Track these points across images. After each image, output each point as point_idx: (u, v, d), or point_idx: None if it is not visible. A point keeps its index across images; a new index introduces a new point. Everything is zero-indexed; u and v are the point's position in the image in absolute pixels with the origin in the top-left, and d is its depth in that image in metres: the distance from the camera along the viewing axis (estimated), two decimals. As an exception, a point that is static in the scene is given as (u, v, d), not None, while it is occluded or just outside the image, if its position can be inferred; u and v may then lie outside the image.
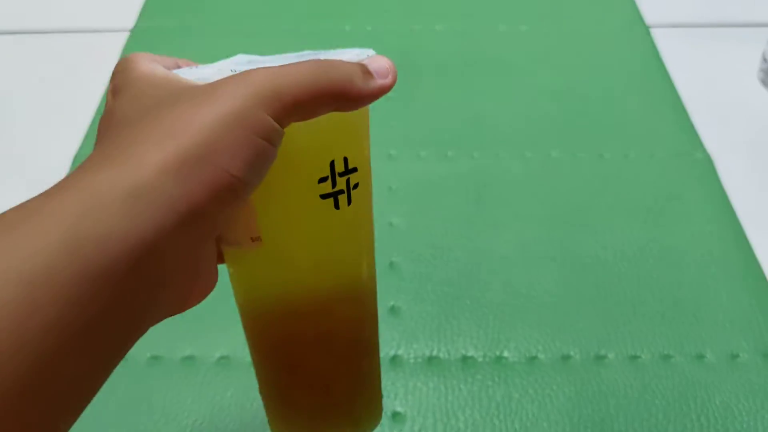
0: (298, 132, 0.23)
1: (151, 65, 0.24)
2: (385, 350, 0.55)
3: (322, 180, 0.27)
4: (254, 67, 0.23)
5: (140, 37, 0.89)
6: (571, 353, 0.55)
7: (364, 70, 0.25)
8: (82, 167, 0.20)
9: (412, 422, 0.51)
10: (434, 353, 0.55)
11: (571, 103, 0.80)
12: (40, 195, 0.19)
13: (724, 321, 0.57)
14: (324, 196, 0.28)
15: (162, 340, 0.57)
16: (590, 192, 0.69)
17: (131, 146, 0.20)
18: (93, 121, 0.77)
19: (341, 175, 0.27)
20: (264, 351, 0.34)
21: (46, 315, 0.16)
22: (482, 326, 0.57)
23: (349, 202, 0.28)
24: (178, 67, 0.27)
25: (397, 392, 0.53)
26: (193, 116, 0.20)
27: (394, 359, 0.55)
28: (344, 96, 0.23)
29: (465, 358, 0.55)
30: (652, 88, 0.82)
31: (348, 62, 0.24)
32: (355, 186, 0.28)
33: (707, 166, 0.71)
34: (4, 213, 0.19)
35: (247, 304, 0.32)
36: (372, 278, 0.33)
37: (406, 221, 0.66)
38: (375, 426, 0.36)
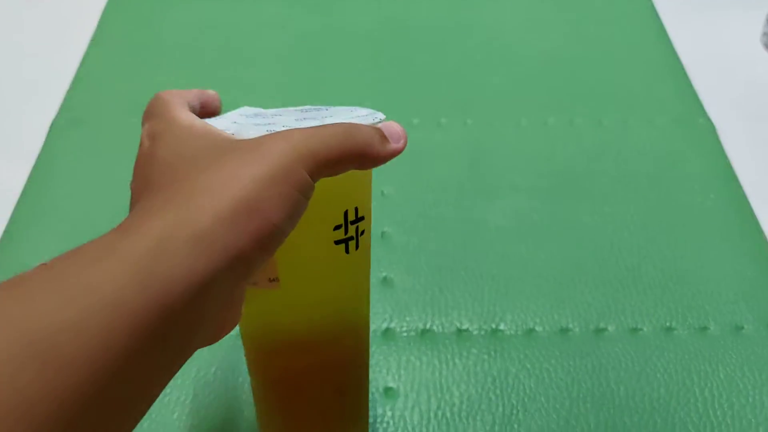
0: (320, 185, 0.26)
1: (187, 114, 0.27)
2: (377, 323, 0.53)
3: (337, 228, 0.31)
4: (261, 119, 0.28)
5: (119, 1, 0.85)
6: (570, 326, 0.53)
7: (381, 135, 0.28)
8: (146, 210, 0.23)
9: (404, 398, 0.49)
10: (428, 326, 0.53)
11: (568, 69, 0.77)
12: (114, 234, 0.22)
13: (728, 291, 0.55)
14: (337, 242, 0.31)
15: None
16: (588, 160, 0.66)
17: (190, 195, 0.23)
18: (70, 89, 0.73)
19: (352, 223, 0.31)
20: (269, 382, 0.37)
21: (120, 340, 0.19)
22: (477, 298, 0.55)
23: (357, 246, 0.32)
24: (199, 100, 0.31)
25: (389, 367, 0.50)
26: (243, 171, 0.23)
27: (386, 332, 0.52)
28: (366, 157, 0.27)
29: (459, 332, 0.53)
30: (652, 52, 0.79)
31: (368, 126, 0.28)
32: (362, 232, 0.32)
33: (709, 132, 0.69)
34: (84, 249, 0.21)
35: (255, 339, 0.35)
36: (368, 309, 0.37)
37: (398, 190, 0.63)
38: None
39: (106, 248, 0.21)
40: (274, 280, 0.31)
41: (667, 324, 0.53)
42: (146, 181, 0.26)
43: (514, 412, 0.48)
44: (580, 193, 0.63)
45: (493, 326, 0.53)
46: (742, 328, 0.53)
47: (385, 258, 0.58)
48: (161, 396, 0.49)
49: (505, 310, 0.54)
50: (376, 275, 0.56)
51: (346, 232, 0.31)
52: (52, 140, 0.68)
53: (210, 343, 0.25)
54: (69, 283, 0.20)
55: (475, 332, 0.53)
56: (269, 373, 0.36)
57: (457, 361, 0.51)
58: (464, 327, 0.53)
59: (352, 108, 0.32)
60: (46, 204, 0.62)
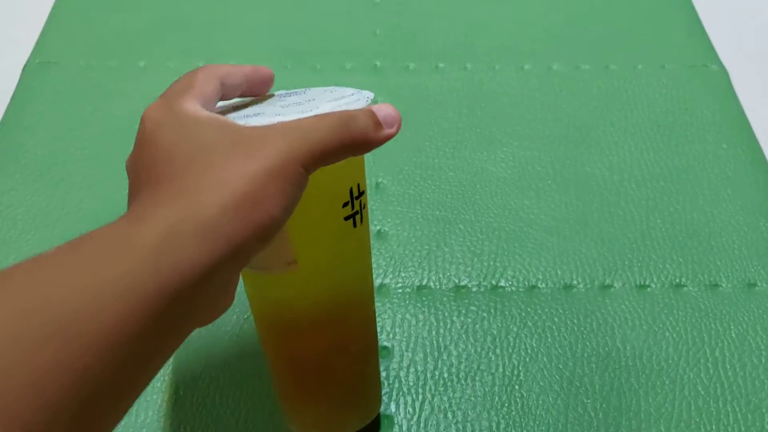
0: (329, 168, 0.27)
1: (194, 105, 0.27)
2: (370, 279, 0.50)
3: (345, 204, 0.32)
4: (241, 111, 0.30)
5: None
6: (574, 282, 0.50)
7: (376, 121, 0.29)
8: (154, 200, 0.24)
9: (400, 358, 0.46)
10: (424, 282, 0.50)
11: (574, 11, 0.72)
12: (126, 223, 0.23)
13: (741, 247, 0.52)
14: (346, 218, 0.32)
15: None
16: (595, 107, 0.63)
17: (197, 189, 0.24)
18: (43, 31, 0.69)
19: (356, 198, 0.32)
20: (283, 361, 0.37)
21: (133, 325, 0.21)
22: (477, 253, 0.52)
23: (361, 220, 0.33)
24: (245, 77, 0.31)
25: (383, 325, 0.48)
26: (246, 168, 0.25)
27: (381, 288, 0.50)
28: (361, 146, 0.28)
29: (458, 288, 0.50)
30: (663, -5, 0.75)
31: (363, 114, 0.28)
32: (363, 207, 0.33)
33: (722, 79, 0.65)
34: (100, 237, 0.23)
35: (269, 321, 0.35)
36: (372, 283, 0.38)
37: (394, 139, 0.59)
38: (377, 412, 0.41)
39: (121, 239, 0.23)
40: (292, 263, 0.32)
41: (677, 280, 0.50)
42: (148, 168, 0.26)
43: (515, 372, 0.45)
44: (586, 143, 0.60)
45: (493, 282, 0.50)
46: (755, 285, 0.50)
47: (379, 210, 0.54)
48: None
49: (505, 266, 0.51)
50: (369, 228, 0.53)
51: (352, 207, 0.32)
52: (24, 83, 0.64)
53: (204, 324, 0.27)
54: (87, 273, 0.21)
55: (474, 289, 0.50)
56: (283, 353, 0.37)
57: (455, 318, 0.48)
58: (463, 283, 0.50)
59: (332, 88, 0.33)
60: (17, 148, 0.58)
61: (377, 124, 0.29)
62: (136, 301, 0.21)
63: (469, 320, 0.48)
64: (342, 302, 0.35)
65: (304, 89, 0.34)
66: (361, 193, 0.33)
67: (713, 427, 0.43)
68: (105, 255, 0.22)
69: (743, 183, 0.57)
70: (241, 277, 0.34)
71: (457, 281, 0.50)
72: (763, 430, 0.42)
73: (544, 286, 0.50)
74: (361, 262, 0.36)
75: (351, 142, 0.27)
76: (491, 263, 0.51)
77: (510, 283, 0.50)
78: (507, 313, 0.48)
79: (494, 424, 0.43)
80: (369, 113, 0.29)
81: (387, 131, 0.29)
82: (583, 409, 0.44)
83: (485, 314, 0.48)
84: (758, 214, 0.54)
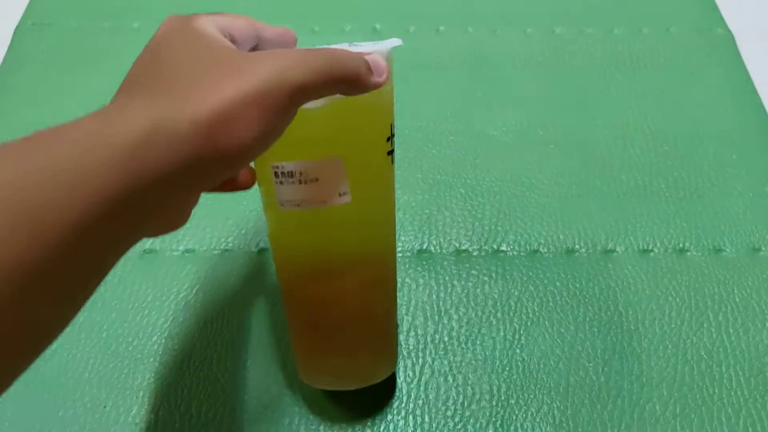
0: (373, 99, 0.29)
1: (212, 27, 0.27)
2: (370, 243, 0.49)
3: (388, 139, 0.33)
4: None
5: None
6: (576, 246, 0.50)
7: (367, 67, 0.29)
8: (138, 99, 0.25)
9: (400, 322, 0.45)
10: (424, 246, 0.49)
11: (577, -27, 0.71)
12: (99, 123, 0.23)
13: (745, 211, 0.51)
14: (388, 153, 0.34)
15: (117, 232, 0.50)
16: (598, 71, 0.62)
17: (179, 98, 0.24)
18: (35, -11, 0.67)
19: (392, 136, 0.34)
20: (306, 304, 0.37)
21: (92, 222, 0.21)
22: (478, 217, 0.51)
23: (393, 161, 0.35)
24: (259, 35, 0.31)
25: (382, 289, 0.47)
26: (228, 87, 0.24)
27: (380, 253, 0.49)
28: (352, 84, 0.28)
29: (458, 252, 0.49)
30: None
31: (357, 56, 0.28)
32: (393, 148, 0.35)
33: (728, 43, 0.64)
34: (71, 132, 0.23)
35: (293, 262, 0.36)
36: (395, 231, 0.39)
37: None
38: (393, 369, 0.41)
39: (93, 137, 0.22)
40: (344, 194, 0.32)
41: (680, 245, 0.50)
42: (145, 68, 0.27)
43: (516, 336, 0.45)
44: (589, 106, 0.59)
45: (495, 247, 0.50)
46: (760, 250, 0.49)
47: (378, 174, 0.53)
48: (135, 320, 0.45)
49: (507, 230, 0.50)
50: (369, 192, 0.52)
51: (392, 144, 0.33)
52: (16, 45, 0.63)
53: (155, 235, 0.28)
54: (58, 167, 0.21)
55: (475, 253, 0.49)
56: (311, 300, 0.37)
57: (455, 283, 0.48)
58: (463, 247, 0.49)
59: (355, 44, 0.32)
60: (7, 109, 0.57)
61: (369, 69, 0.29)
62: (98, 200, 0.21)
63: (470, 284, 0.47)
64: (376, 244, 0.36)
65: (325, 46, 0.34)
66: (393, 134, 0.33)
67: (716, 391, 0.42)
68: (78, 150, 0.22)
69: (749, 147, 0.56)
70: (269, 231, 0.36)
71: (457, 245, 0.50)
72: (767, 393, 0.42)
73: (546, 250, 0.49)
74: (391, 202, 0.37)
75: (343, 77, 0.27)
76: (492, 227, 0.51)
77: (511, 247, 0.50)
78: (508, 277, 0.48)
79: (495, 388, 0.43)
80: (362, 57, 0.29)
81: (376, 78, 0.30)
82: (584, 373, 0.43)
83: (486, 278, 0.48)
84: (763, 178, 0.53)
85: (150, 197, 0.23)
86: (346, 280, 0.36)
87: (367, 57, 0.30)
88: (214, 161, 0.24)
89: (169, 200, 0.24)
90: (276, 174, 0.32)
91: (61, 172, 0.21)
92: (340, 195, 0.32)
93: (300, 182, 0.32)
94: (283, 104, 0.25)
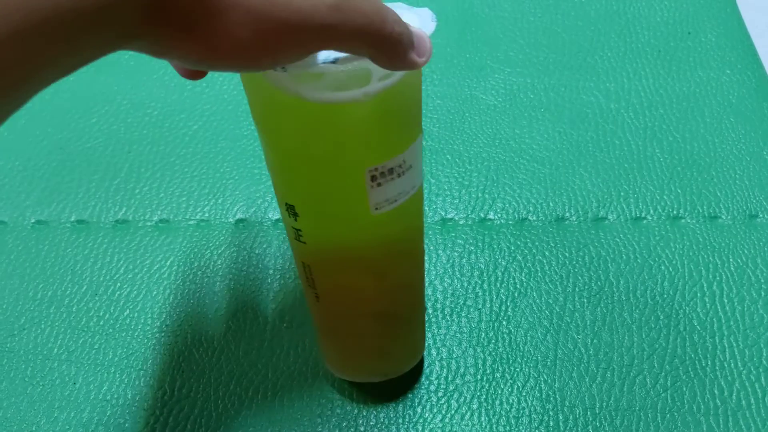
0: (413, 82, 0.27)
1: None
2: (352, 212, 0.47)
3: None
4: None
5: None
6: (567, 215, 0.48)
7: (410, 39, 0.24)
8: None
9: (382, 293, 0.44)
10: (408, 215, 0.48)
11: (571, -71, 0.68)
12: None
13: (742, 177, 0.50)
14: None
15: (89, 201, 0.48)
16: (591, 31, 0.59)
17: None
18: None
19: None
20: (337, 294, 0.34)
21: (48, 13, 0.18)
22: (464, 185, 0.49)
23: None
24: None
25: (365, 259, 0.45)
26: (265, 6, 0.20)
27: (362, 222, 0.47)
28: (388, 53, 0.24)
29: (444, 221, 0.47)
30: None
31: (404, 24, 0.24)
32: None
33: (727, 1, 0.61)
34: None
35: (339, 262, 0.32)
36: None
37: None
38: (419, 359, 0.40)
39: None
40: (420, 171, 0.30)
41: (674, 212, 0.48)
42: None
43: (503, 308, 0.43)
44: (582, 69, 0.56)
45: (482, 215, 0.48)
46: (757, 216, 0.48)
47: (361, 140, 0.51)
48: (107, 293, 0.43)
49: (494, 198, 0.49)
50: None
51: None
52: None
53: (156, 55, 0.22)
54: None
55: (462, 221, 0.47)
56: (342, 300, 0.35)
57: (441, 252, 0.46)
58: (449, 216, 0.48)
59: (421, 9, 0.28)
60: None
61: (412, 42, 0.24)
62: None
63: (456, 254, 0.46)
64: (411, 231, 0.34)
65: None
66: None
67: (708, 363, 0.41)
68: None
69: (747, 110, 0.53)
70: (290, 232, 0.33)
71: (443, 214, 0.48)
72: (761, 365, 0.41)
73: (534, 218, 0.48)
74: (421, 201, 0.35)
75: (382, 39, 0.23)
76: (480, 195, 0.49)
77: (499, 215, 0.48)
78: (495, 246, 0.46)
79: (480, 361, 0.41)
80: (408, 27, 0.25)
81: (416, 57, 0.25)
82: (573, 345, 0.42)
83: (473, 248, 0.46)
84: (762, 142, 0.51)
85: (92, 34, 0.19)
86: (386, 281, 0.34)
87: (414, 29, 0.25)
88: (178, 41, 0.20)
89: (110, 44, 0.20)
90: (373, 177, 0.29)
91: None
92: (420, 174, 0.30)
93: (399, 175, 0.29)
94: (299, 47, 0.22)
